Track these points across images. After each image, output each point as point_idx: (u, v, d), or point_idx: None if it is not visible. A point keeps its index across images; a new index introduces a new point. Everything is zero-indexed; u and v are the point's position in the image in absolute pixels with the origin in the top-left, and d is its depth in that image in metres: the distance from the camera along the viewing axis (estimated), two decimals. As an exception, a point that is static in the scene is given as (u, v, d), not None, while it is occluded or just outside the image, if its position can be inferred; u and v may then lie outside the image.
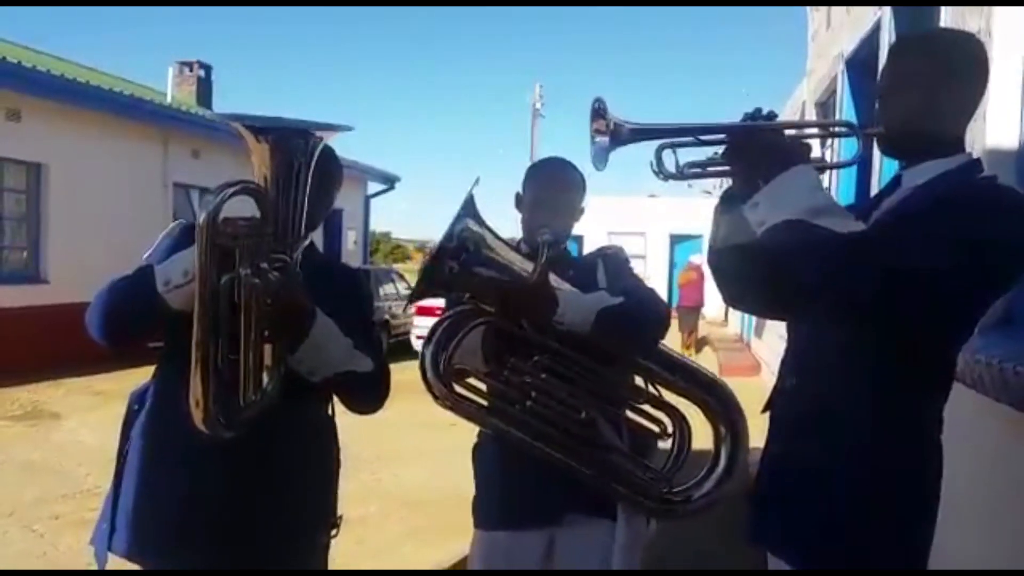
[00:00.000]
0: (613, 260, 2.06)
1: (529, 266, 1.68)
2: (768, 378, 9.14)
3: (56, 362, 8.98)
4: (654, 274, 22.49)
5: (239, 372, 1.51)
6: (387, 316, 11.70)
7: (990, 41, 2.84)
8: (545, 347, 1.70)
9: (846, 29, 5.87)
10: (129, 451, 1.75)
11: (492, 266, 1.65)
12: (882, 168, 4.25)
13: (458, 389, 1.70)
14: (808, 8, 7.92)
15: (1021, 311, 2.65)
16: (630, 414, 1.79)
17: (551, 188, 2.04)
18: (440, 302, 1.97)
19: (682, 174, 1.48)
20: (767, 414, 1.68)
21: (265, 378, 1.56)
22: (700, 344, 14.81)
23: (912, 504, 1.46)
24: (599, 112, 1.44)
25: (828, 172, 5.86)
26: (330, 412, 1.87)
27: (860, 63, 5.43)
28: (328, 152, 1.70)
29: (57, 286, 9.86)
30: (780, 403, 1.64)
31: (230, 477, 1.64)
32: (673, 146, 1.46)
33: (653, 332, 1.82)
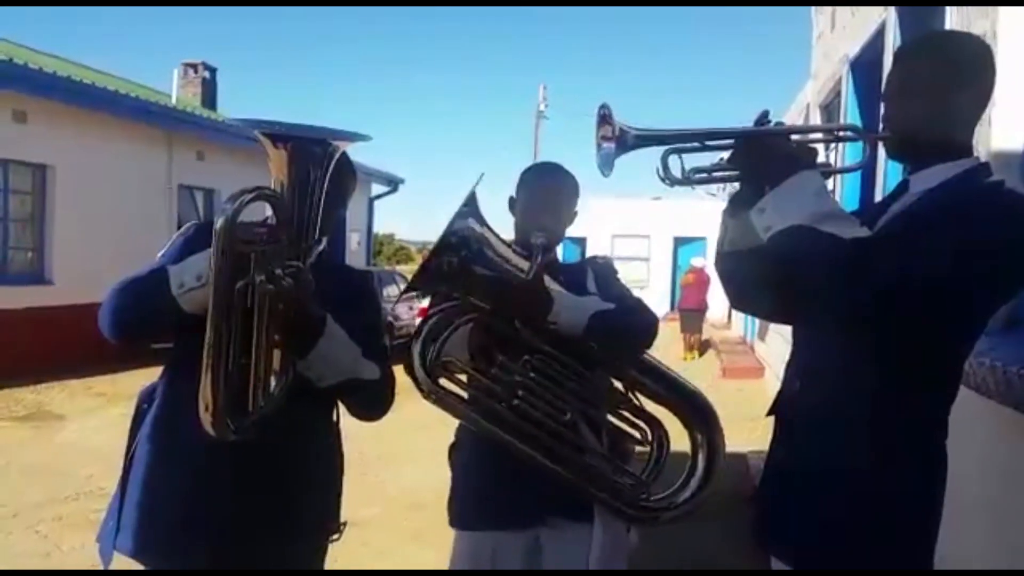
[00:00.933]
0: (603, 269, 2.09)
1: (525, 266, 1.69)
2: (771, 380, 9.13)
3: (61, 363, 9.01)
4: (658, 276, 22.50)
5: (249, 377, 1.52)
6: (390, 318, 11.69)
7: (996, 43, 2.84)
8: (535, 347, 1.71)
9: (851, 31, 5.86)
10: (137, 450, 1.76)
11: (490, 263, 1.67)
12: (887, 173, 4.24)
13: (444, 383, 1.71)
14: (812, 10, 7.92)
15: (1025, 315, 2.64)
16: (612, 419, 1.80)
17: (544, 192, 2.06)
18: (431, 290, 1.98)
19: (688, 180, 1.48)
20: (772, 417, 1.68)
21: (272, 382, 1.57)
22: (703, 346, 14.80)
23: (916, 509, 1.45)
24: (605, 118, 1.44)
25: (833, 177, 5.85)
26: (335, 417, 1.88)
27: (865, 66, 5.43)
28: (344, 160, 1.70)
29: (62, 287, 9.89)
30: (785, 406, 1.64)
31: (236, 476, 1.65)
32: (679, 151, 1.46)
33: (642, 339, 1.85)
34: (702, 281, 14.49)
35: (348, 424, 1.89)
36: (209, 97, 16.84)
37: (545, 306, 1.69)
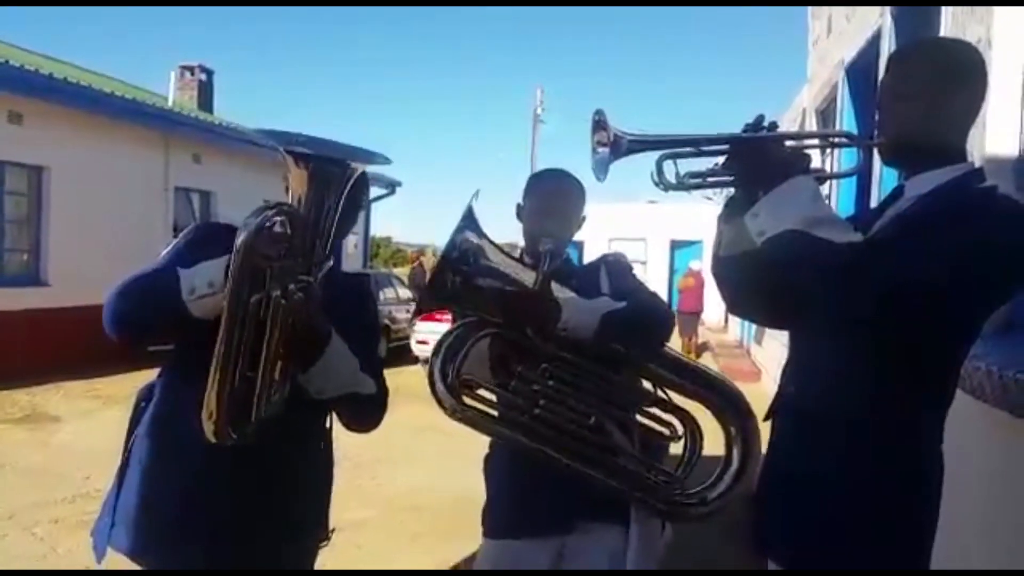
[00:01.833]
0: (615, 266, 2.08)
1: (530, 275, 1.69)
2: (768, 384, 9.14)
3: (56, 365, 8.99)
4: (654, 280, 22.51)
5: (255, 388, 1.53)
6: (387, 321, 11.70)
7: (990, 50, 2.85)
8: (551, 355, 1.71)
9: (847, 37, 5.88)
10: (134, 446, 1.76)
11: (493, 276, 1.67)
12: (882, 178, 4.26)
13: (467, 400, 1.71)
14: (809, 16, 7.94)
15: (1020, 319, 2.65)
16: (640, 418, 1.80)
17: (551, 198, 2.06)
18: (439, 310, 1.98)
19: (683, 184, 1.50)
20: (769, 420, 1.69)
21: (275, 394, 1.58)
22: (700, 349, 14.81)
23: (913, 513, 1.46)
24: (600, 124, 1.45)
25: (828, 182, 5.87)
26: (328, 424, 1.89)
27: (861, 71, 5.45)
28: (361, 179, 1.71)
29: (58, 289, 9.87)
30: (782, 410, 1.64)
31: (232, 476, 1.66)
32: (674, 156, 1.47)
33: (657, 335, 1.83)
34: (699, 284, 14.52)
35: (342, 427, 1.90)
36: (206, 99, 16.82)
37: (553, 314, 1.69)
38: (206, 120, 13.53)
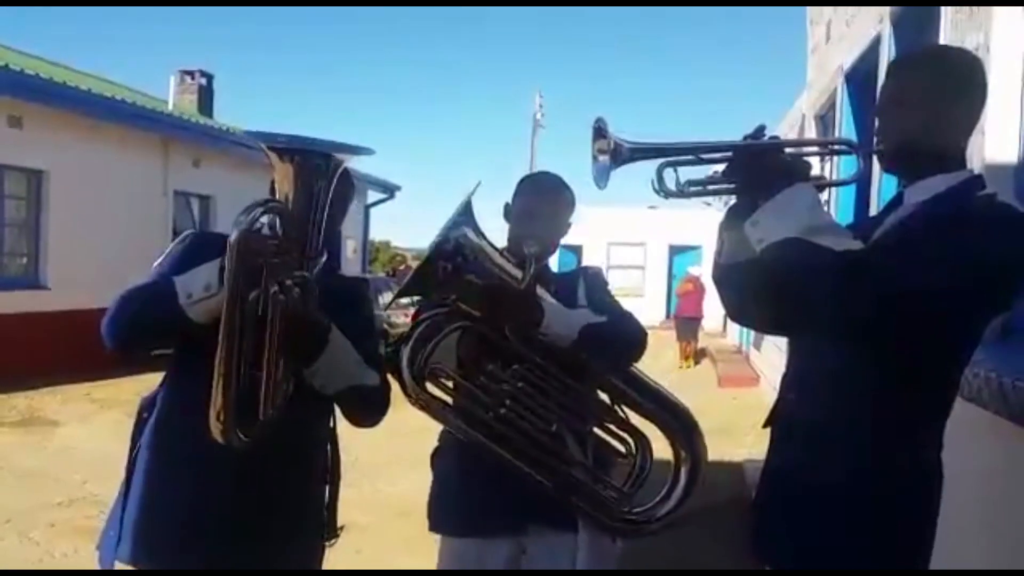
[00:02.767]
0: (594, 279, 2.09)
1: (518, 275, 1.70)
2: (767, 389, 9.14)
3: (55, 369, 8.98)
4: (653, 285, 22.52)
5: (260, 386, 1.53)
6: (385, 324, 11.69)
7: (988, 56, 2.86)
8: (524, 357, 1.71)
9: (846, 43, 5.89)
10: (138, 458, 1.76)
11: (484, 271, 1.67)
12: (881, 186, 4.26)
13: (431, 389, 1.71)
14: (808, 22, 7.96)
15: (1019, 324, 2.65)
16: (597, 431, 1.80)
17: (540, 201, 2.07)
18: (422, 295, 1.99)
19: (683, 192, 1.50)
20: (768, 428, 1.68)
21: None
22: (699, 355, 14.81)
23: (912, 520, 1.46)
24: (600, 132, 1.46)
25: (828, 190, 5.87)
26: (332, 423, 1.89)
27: (860, 77, 5.46)
28: (345, 171, 1.72)
29: (57, 292, 9.86)
30: (781, 417, 1.64)
31: (238, 482, 1.66)
32: (674, 164, 1.47)
33: (631, 353, 1.86)
34: (698, 290, 14.51)
35: (340, 430, 1.90)
36: (206, 104, 16.81)
37: (536, 316, 1.70)
38: (206, 124, 13.54)
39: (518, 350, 1.71)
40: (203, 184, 12.69)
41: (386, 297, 12.83)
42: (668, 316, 18.93)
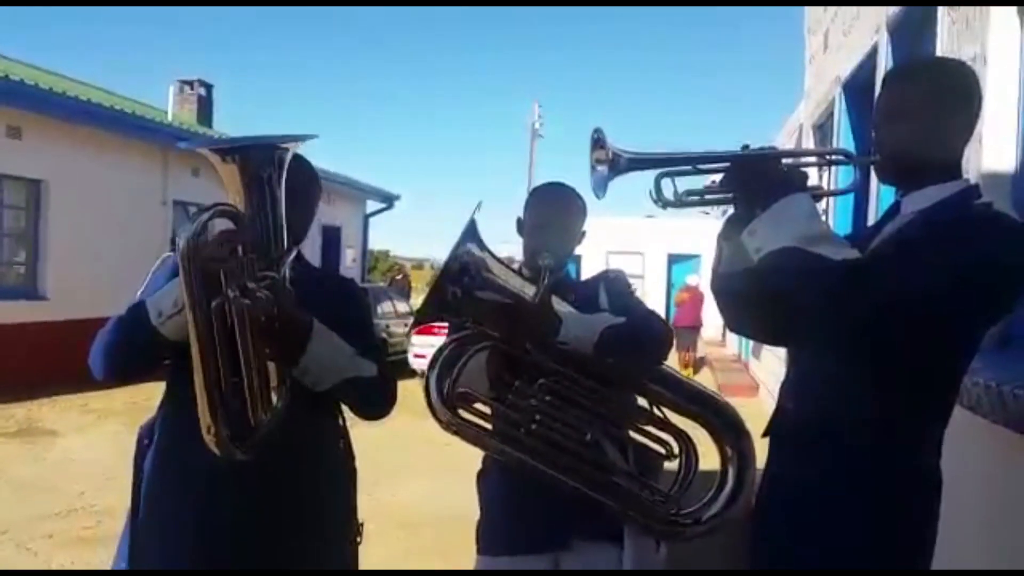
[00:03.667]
0: (615, 283, 2.07)
1: (530, 288, 1.69)
2: (766, 398, 9.12)
3: (53, 379, 8.96)
4: (652, 293, 22.52)
5: (245, 393, 1.52)
6: (384, 334, 11.68)
7: (985, 67, 2.87)
8: (549, 369, 1.69)
9: (843, 53, 5.92)
10: (143, 487, 1.75)
11: (494, 289, 1.66)
12: (879, 195, 4.27)
13: (463, 414, 1.69)
14: (806, 32, 7.99)
15: (1018, 333, 2.65)
16: (635, 435, 1.79)
17: (552, 212, 2.06)
18: (438, 321, 1.98)
19: (680, 202, 1.50)
20: (767, 436, 1.68)
21: (274, 397, 1.57)
22: (698, 364, 14.79)
23: (912, 530, 1.46)
24: (598, 142, 1.46)
25: (826, 200, 5.88)
26: (341, 422, 1.89)
27: (857, 87, 5.48)
28: (298, 162, 1.70)
29: (56, 303, 9.86)
30: (780, 426, 1.64)
31: (247, 501, 1.65)
32: (671, 174, 1.47)
33: (656, 352, 1.82)
34: (696, 299, 14.51)
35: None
36: (205, 114, 16.86)
37: (553, 327, 1.68)
38: (205, 134, 13.56)
39: (543, 363, 1.70)
40: (203, 194, 12.67)
41: (386, 306, 12.82)
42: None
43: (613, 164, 1.45)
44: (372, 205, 19.69)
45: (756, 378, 11.82)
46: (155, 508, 1.72)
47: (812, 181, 1.52)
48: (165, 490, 1.72)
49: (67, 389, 8.90)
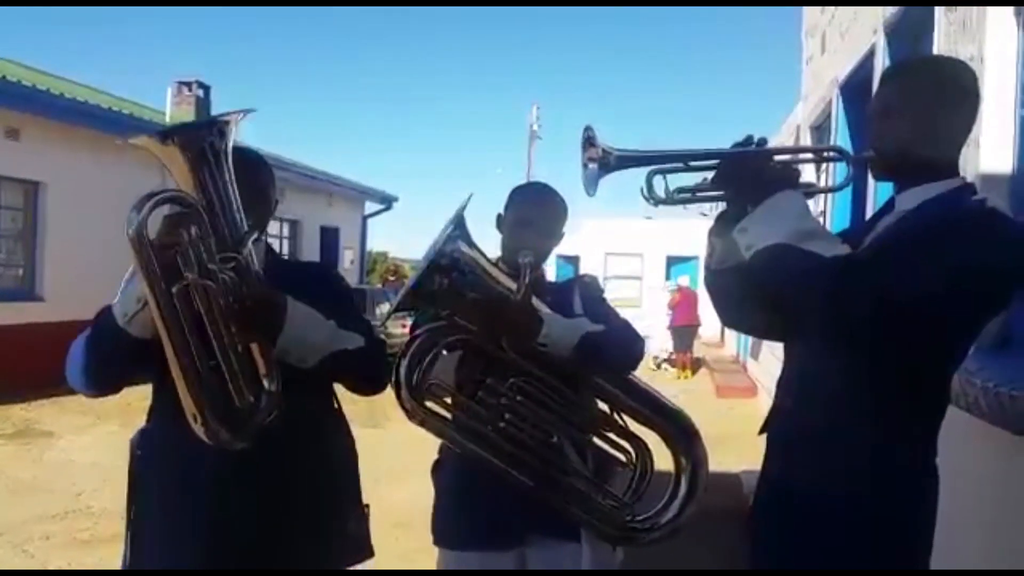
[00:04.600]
0: (589, 288, 2.09)
1: (514, 286, 1.69)
2: (765, 400, 9.12)
3: (50, 380, 8.85)
4: (650, 295, 22.52)
5: (224, 375, 1.50)
6: (382, 335, 11.66)
7: (983, 67, 2.88)
8: (522, 369, 1.70)
9: (840, 54, 5.92)
10: (139, 494, 1.75)
11: (479, 283, 1.66)
12: (877, 192, 4.27)
13: (429, 405, 1.69)
14: (803, 33, 8.00)
15: (1018, 334, 2.65)
16: (596, 440, 1.80)
17: (532, 211, 2.07)
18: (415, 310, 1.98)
19: (672, 199, 1.51)
20: (763, 435, 1.68)
21: (266, 383, 1.56)
22: (696, 365, 14.77)
23: (908, 528, 1.46)
24: (589, 141, 1.47)
25: (824, 196, 5.89)
26: (336, 405, 1.89)
27: (855, 88, 5.48)
28: (240, 152, 1.68)
29: (53, 304, 9.84)
30: (776, 425, 1.64)
31: (253, 495, 1.65)
32: (663, 172, 1.48)
33: (630, 361, 1.86)
34: (689, 298, 14.51)
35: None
36: (203, 115, 16.84)
37: (535, 326, 1.69)
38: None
39: (516, 362, 1.70)
40: (201, 195, 12.67)
41: (383, 308, 12.82)
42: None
43: (604, 162, 1.46)
44: (370, 206, 19.70)
45: (754, 379, 11.82)
46: (159, 513, 1.71)
47: (808, 179, 1.52)
48: (168, 495, 1.70)
49: (64, 390, 8.78)
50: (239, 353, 1.52)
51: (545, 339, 1.69)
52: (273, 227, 16.00)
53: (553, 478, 1.70)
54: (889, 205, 1.58)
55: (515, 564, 1.99)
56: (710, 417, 7.86)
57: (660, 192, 1.49)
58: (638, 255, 22.96)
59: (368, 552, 1.94)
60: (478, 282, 1.66)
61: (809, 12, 7.73)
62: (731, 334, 16.11)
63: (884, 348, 1.37)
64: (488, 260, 1.70)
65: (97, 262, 9.84)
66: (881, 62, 4.48)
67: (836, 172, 4.77)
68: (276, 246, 15.54)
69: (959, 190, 1.48)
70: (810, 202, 1.53)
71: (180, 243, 1.46)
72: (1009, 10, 2.89)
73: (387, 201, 19.72)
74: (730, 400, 10.70)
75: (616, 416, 1.80)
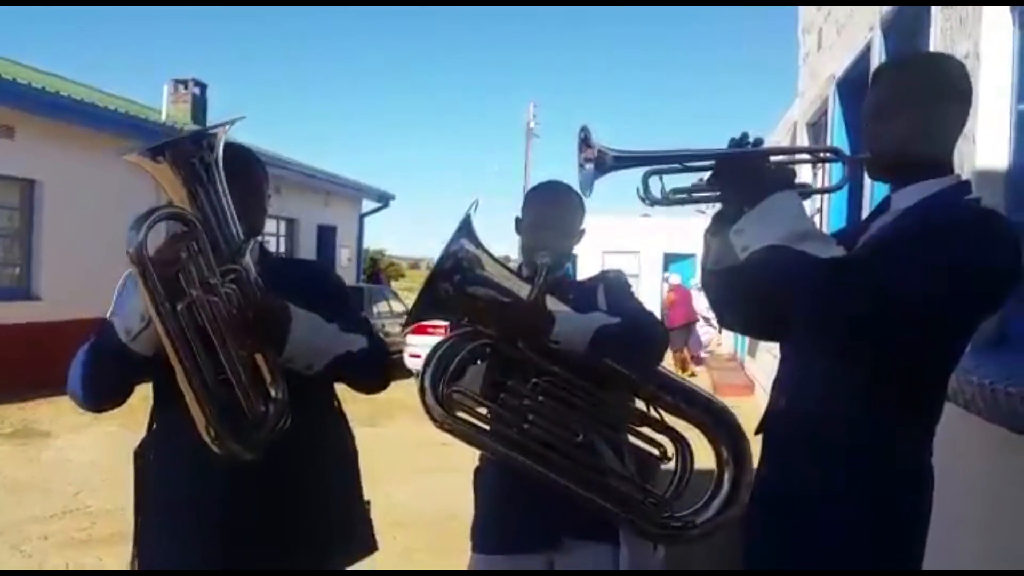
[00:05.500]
0: (614, 283, 2.06)
1: (525, 287, 1.69)
2: (762, 397, 9.13)
3: (47, 380, 8.87)
4: (647, 293, 22.54)
5: (235, 390, 1.51)
6: (381, 335, 11.65)
7: (979, 64, 2.88)
8: (543, 369, 1.69)
9: (837, 51, 5.92)
10: (147, 503, 1.75)
11: (487, 286, 1.66)
12: (873, 191, 4.28)
13: (457, 412, 1.69)
14: (799, 30, 8.00)
15: (1016, 331, 2.66)
16: (631, 437, 1.78)
17: (550, 211, 2.06)
18: (434, 320, 1.98)
19: (668, 200, 1.51)
20: (760, 435, 1.68)
21: (272, 391, 1.56)
22: (694, 362, 14.76)
23: (904, 527, 1.46)
24: (585, 141, 1.47)
25: (820, 196, 5.89)
26: (336, 404, 1.89)
27: (851, 85, 5.48)
28: (234, 150, 1.67)
29: (49, 303, 9.83)
30: (772, 424, 1.64)
31: (255, 498, 1.65)
32: (659, 172, 1.47)
33: (650, 353, 1.81)
34: (684, 296, 14.51)
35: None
36: (199, 113, 16.79)
37: (545, 325, 1.68)
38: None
39: (537, 363, 1.69)
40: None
41: (380, 306, 12.81)
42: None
43: (600, 162, 1.46)
44: (367, 204, 19.67)
45: (751, 377, 11.83)
46: (167, 519, 1.72)
47: (805, 179, 1.52)
48: (176, 501, 1.71)
49: (62, 390, 8.73)
50: (247, 365, 1.53)
51: (557, 336, 1.68)
52: (270, 225, 15.99)
53: (584, 476, 1.68)
54: (884, 205, 1.57)
55: (541, 568, 1.97)
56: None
57: (656, 193, 1.49)
58: (635, 253, 22.99)
59: (372, 546, 1.95)
60: (485, 284, 1.66)
61: (805, 8, 7.73)
62: (728, 332, 16.13)
63: (880, 348, 1.36)
64: (497, 261, 1.70)
65: (93, 261, 9.81)
66: (878, 58, 4.48)
67: (832, 172, 4.78)
68: (273, 245, 15.58)
69: (954, 188, 1.48)
70: (806, 202, 1.53)
71: (180, 260, 1.46)
72: (1004, 7, 2.89)
73: (384, 199, 19.69)
74: (727, 399, 10.66)
75: (652, 411, 1.78)
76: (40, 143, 9.77)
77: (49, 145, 9.88)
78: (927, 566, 1.50)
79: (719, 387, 11.64)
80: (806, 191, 1.58)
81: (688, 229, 19.96)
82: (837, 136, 5.75)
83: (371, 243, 25.53)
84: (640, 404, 1.80)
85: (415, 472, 6.14)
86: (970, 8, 3.04)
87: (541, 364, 1.69)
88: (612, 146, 1.46)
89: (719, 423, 1.78)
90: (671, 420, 1.79)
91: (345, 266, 17.92)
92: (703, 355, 15.51)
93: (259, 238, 1.81)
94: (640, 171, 1.48)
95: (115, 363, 1.58)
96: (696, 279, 14.78)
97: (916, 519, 1.47)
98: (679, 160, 1.48)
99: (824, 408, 1.49)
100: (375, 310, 12.26)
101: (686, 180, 1.52)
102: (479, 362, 1.73)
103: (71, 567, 4.06)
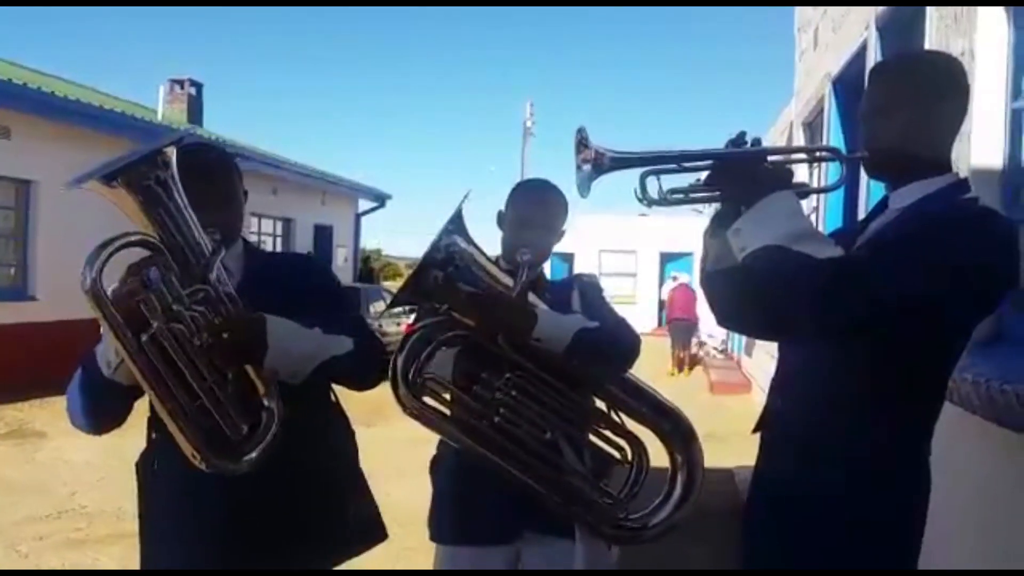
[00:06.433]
0: (588, 287, 2.09)
1: (510, 282, 1.69)
2: (758, 395, 9.15)
3: (43, 380, 8.88)
4: (644, 292, 22.55)
5: (212, 413, 1.49)
6: (377, 333, 11.62)
7: (974, 62, 2.88)
8: (518, 365, 1.70)
9: (833, 50, 5.93)
10: (149, 515, 1.76)
11: (475, 279, 1.67)
12: (870, 191, 4.28)
13: (426, 400, 1.69)
14: (796, 29, 8.01)
15: (1011, 329, 2.66)
16: (592, 438, 1.80)
17: (533, 209, 2.06)
18: (413, 305, 1.98)
19: (665, 200, 1.50)
20: (757, 434, 1.68)
21: (267, 401, 1.55)
22: (692, 361, 14.76)
23: (900, 525, 1.46)
24: (582, 142, 1.47)
25: (816, 195, 5.90)
26: (333, 398, 1.89)
27: (847, 83, 5.49)
28: (197, 156, 1.65)
29: (45, 303, 9.82)
30: (770, 423, 1.64)
31: (257, 497, 1.65)
32: (656, 173, 1.47)
33: (625, 358, 1.85)
34: (687, 296, 14.49)
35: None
36: (195, 113, 16.79)
37: (528, 323, 1.69)
38: (195, 134, 13.51)
39: (512, 358, 1.70)
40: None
41: (377, 306, 12.80)
42: (660, 323, 18.97)
43: (596, 163, 1.45)
44: (364, 204, 19.66)
45: (748, 375, 11.85)
46: (169, 523, 1.73)
47: (802, 179, 1.52)
48: (178, 506, 1.71)
49: (57, 390, 8.78)
50: (225, 387, 1.50)
51: (539, 334, 1.69)
52: (267, 225, 15.99)
53: (548, 474, 1.70)
54: (882, 205, 1.57)
55: (508, 560, 2.00)
56: (704, 413, 7.88)
57: (654, 193, 1.48)
58: (632, 252, 23.01)
59: (382, 534, 1.96)
60: (473, 276, 1.66)
61: (801, 7, 7.74)
62: (724, 329, 16.14)
63: (878, 348, 1.37)
64: (486, 257, 1.71)
65: (89, 261, 9.81)
66: (874, 57, 4.48)
67: (829, 172, 4.78)
68: (269, 244, 15.56)
69: (951, 187, 1.48)
70: (803, 201, 1.53)
71: (138, 291, 1.42)
72: (999, 6, 2.90)
73: (380, 199, 19.69)
74: (724, 396, 10.73)
75: (613, 414, 1.80)
76: (36, 143, 9.76)
77: (45, 145, 9.87)
78: (924, 565, 1.50)
79: (716, 385, 11.67)
80: (804, 190, 1.58)
81: (685, 228, 19.99)
82: (833, 135, 5.76)
83: (367, 243, 25.49)
84: (601, 405, 1.81)
85: (413, 470, 6.09)
86: (965, 7, 3.04)
87: (516, 359, 1.69)
88: (609, 147, 1.46)
89: (676, 429, 1.79)
90: (628, 423, 1.81)
91: (342, 266, 17.91)
92: (700, 354, 15.51)
93: (239, 240, 1.78)
94: (637, 171, 1.48)
95: (104, 393, 1.58)
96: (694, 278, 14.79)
97: (914, 518, 1.47)
98: (676, 160, 1.48)
99: (821, 407, 1.49)
100: (372, 309, 12.24)
101: (684, 180, 1.52)
102: (444, 348, 1.73)
103: (67, 567, 4.05)
